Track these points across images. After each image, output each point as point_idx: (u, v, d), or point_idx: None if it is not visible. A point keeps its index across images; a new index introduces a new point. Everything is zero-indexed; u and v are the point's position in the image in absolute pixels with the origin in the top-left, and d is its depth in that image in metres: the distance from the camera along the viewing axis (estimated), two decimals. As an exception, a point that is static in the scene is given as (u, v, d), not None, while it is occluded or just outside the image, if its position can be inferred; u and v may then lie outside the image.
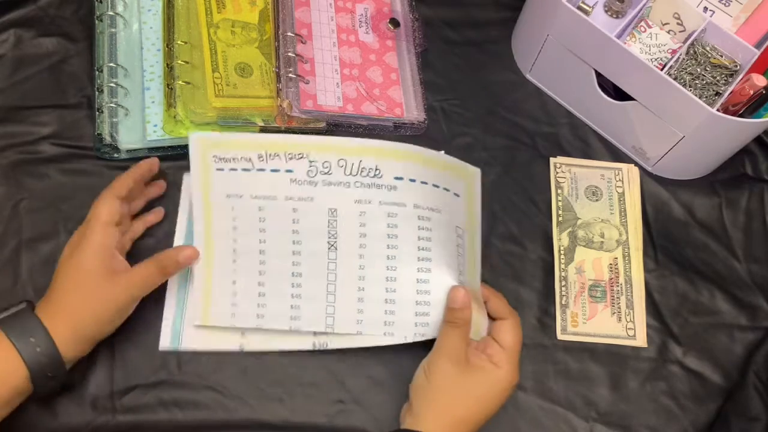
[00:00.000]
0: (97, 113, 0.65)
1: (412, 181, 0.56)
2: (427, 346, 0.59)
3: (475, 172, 0.55)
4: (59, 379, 0.51)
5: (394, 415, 0.59)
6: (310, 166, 0.56)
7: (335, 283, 0.58)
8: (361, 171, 0.56)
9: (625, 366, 0.63)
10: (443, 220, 0.57)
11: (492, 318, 0.58)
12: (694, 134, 0.64)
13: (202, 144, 0.56)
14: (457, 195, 0.57)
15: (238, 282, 0.58)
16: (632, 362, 0.64)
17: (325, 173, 0.56)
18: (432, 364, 0.54)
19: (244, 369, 0.59)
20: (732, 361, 0.64)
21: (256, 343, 0.59)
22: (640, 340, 0.64)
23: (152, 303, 0.60)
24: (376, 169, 0.56)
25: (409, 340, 0.58)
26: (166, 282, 0.59)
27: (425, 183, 0.56)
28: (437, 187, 0.57)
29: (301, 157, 0.56)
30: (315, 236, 0.57)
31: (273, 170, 0.56)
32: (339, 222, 0.57)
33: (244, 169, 0.57)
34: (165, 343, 0.59)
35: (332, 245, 0.57)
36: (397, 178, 0.56)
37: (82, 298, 0.53)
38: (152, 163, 0.61)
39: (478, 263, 0.57)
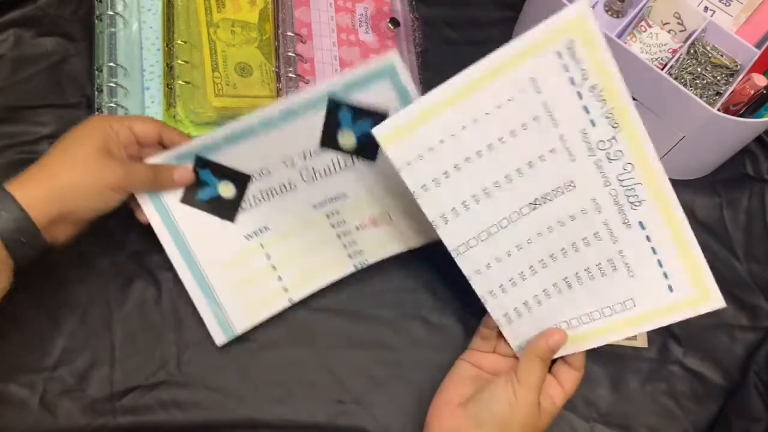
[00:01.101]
0: (96, 113, 0.64)
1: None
2: (428, 344, 0.59)
3: (710, 291, 0.50)
4: (36, 246, 0.50)
5: (394, 415, 0.59)
6: (610, 143, 0.48)
7: (508, 228, 0.52)
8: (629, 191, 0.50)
9: (626, 366, 0.63)
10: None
11: (561, 359, 0.56)
12: (694, 134, 0.64)
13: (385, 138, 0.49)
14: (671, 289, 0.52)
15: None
16: (633, 362, 0.63)
17: (615, 159, 0.49)
18: (521, 396, 0.52)
19: (244, 369, 0.59)
20: (732, 361, 0.64)
21: (299, 290, 0.60)
22: (641, 341, 0.64)
23: (152, 304, 0.60)
24: (638, 197, 0.50)
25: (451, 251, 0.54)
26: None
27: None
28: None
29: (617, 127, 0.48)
30: (537, 182, 0.50)
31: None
32: (566, 197, 0.51)
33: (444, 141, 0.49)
34: (220, 339, 0.59)
35: (537, 205, 0.51)
36: (640, 224, 0.50)
37: (67, 161, 0.51)
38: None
39: (603, 340, 0.54)
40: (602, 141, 0.48)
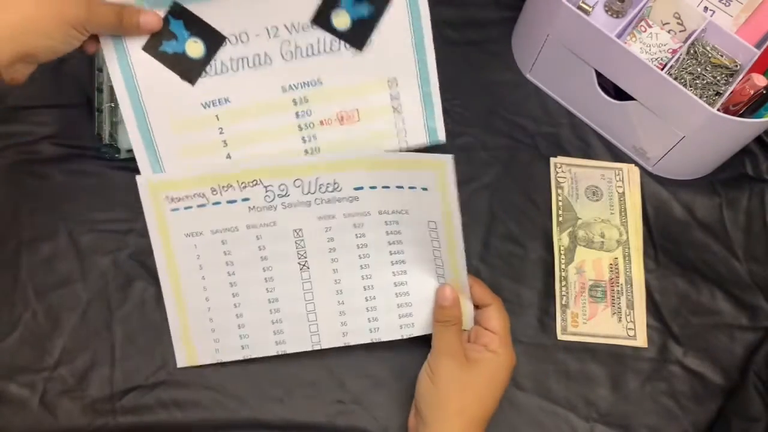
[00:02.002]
0: (96, 113, 0.64)
1: (373, 188, 0.55)
2: (427, 341, 0.59)
3: (445, 161, 0.51)
4: None
5: (394, 415, 0.59)
6: (267, 192, 0.55)
7: (314, 302, 0.58)
8: (320, 188, 0.55)
9: (626, 366, 0.63)
10: (412, 220, 0.56)
11: (476, 306, 0.57)
12: (694, 134, 0.64)
13: (151, 187, 0.55)
14: (426, 189, 0.54)
15: (215, 318, 0.58)
16: (632, 362, 0.64)
17: (283, 196, 0.55)
18: (434, 367, 0.54)
19: (244, 369, 0.60)
20: (732, 361, 0.64)
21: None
22: (641, 341, 0.64)
23: (152, 304, 0.60)
24: (334, 183, 0.55)
25: (397, 338, 0.60)
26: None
27: (387, 187, 0.55)
28: (401, 188, 0.55)
29: (256, 184, 0.55)
30: (284, 259, 0.57)
31: (229, 201, 0.55)
32: (306, 241, 0.57)
33: (200, 206, 0.56)
34: (142, 184, 0.56)
35: (303, 265, 0.58)
36: (357, 189, 0.55)
37: None
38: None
39: (461, 252, 0.55)
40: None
